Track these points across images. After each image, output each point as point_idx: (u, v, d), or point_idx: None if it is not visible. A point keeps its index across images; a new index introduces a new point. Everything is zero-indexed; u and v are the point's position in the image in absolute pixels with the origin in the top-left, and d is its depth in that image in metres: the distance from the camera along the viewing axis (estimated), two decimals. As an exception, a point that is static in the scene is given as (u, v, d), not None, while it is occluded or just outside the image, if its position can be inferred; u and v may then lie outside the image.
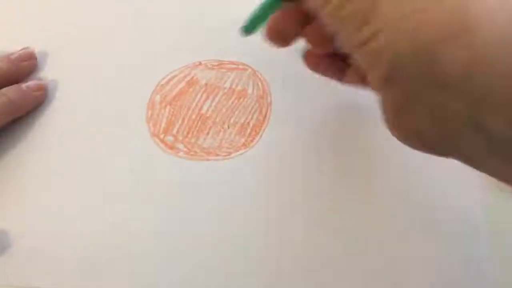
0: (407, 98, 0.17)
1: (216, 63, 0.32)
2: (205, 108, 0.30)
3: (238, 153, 0.29)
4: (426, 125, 0.17)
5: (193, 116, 0.30)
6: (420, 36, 0.15)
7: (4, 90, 0.30)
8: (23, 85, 0.31)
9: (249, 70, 0.31)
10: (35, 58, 0.33)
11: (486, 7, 0.14)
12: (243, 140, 0.29)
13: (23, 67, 0.32)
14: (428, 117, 0.16)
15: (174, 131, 0.29)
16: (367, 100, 0.26)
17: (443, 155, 0.17)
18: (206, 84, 0.31)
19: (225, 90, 0.31)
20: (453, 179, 0.27)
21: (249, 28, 0.27)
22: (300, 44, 0.25)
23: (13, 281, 0.26)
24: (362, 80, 0.23)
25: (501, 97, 0.14)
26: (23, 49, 0.33)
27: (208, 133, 0.29)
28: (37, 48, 0.33)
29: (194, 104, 0.30)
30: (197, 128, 0.29)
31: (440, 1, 0.15)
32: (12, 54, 0.32)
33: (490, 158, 0.15)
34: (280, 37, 0.24)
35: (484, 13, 0.14)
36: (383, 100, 0.18)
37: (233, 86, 0.31)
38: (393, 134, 0.19)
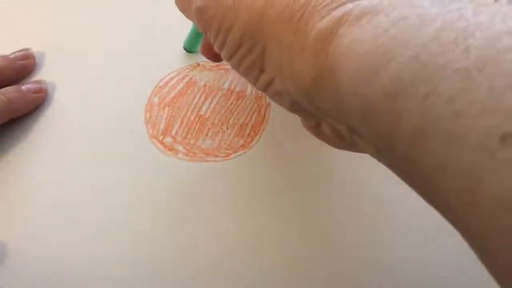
0: (313, 120, 0.21)
1: (214, 64, 0.32)
2: (203, 109, 0.30)
3: (237, 154, 0.29)
4: (332, 137, 0.20)
5: (192, 117, 0.30)
6: (298, 80, 0.18)
7: (3, 90, 0.30)
8: (23, 86, 0.31)
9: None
10: (34, 58, 0.33)
11: (341, 54, 0.16)
12: (242, 141, 0.29)
13: (22, 67, 0.32)
14: (331, 133, 0.20)
15: (173, 133, 0.29)
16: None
17: (355, 151, 0.20)
18: (204, 85, 0.31)
19: (224, 91, 0.31)
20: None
21: (188, 48, 0.32)
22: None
23: (11, 285, 0.26)
24: None
25: (362, 128, 0.16)
26: (22, 49, 0.33)
27: (207, 134, 0.29)
28: (36, 49, 0.33)
29: (192, 105, 0.30)
30: (196, 129, 0.29)
31: (302, 51, 0.17)
32: (10, 54, 0.32)
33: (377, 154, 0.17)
34: (211, 55, 0.28)
35: (340, 61, 0.16)
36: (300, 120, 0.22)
37: (232, 87, 0.31)
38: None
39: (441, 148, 0.12)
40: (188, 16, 0.24)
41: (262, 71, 0.20)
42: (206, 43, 0.28)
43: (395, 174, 0.16)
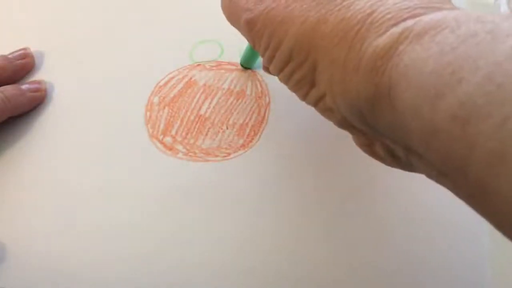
0: (365, 139, 0.20)
1: (214, 64, 0.32)
2: (203, 109, 0.30)
3: (237, 153, 0.29)
4: (387, 157, 0.19)
5: (192, 117, 0.30)
6: (351, 99, 0.17)
7: (2, 88, 0.30)
8: (22, 85, 0.31)
9: (248, 70, 0.31)
10: (32, 57, 0.33)
11: (402, 72, 0.15)
12: (241, 141, 0.29)
13: (20, 66, 0.32)
14: (386, 152, 0.19)
15: (173, 132, 0.29)
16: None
17: (411, 171, 0.20)
18: (204, 85, 0.31)
19: (224, 91, 0.31)
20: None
21: (244, 64, 0.31)
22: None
23: (11, 285, 0.26)
24: None
25: (424, 151, 0.15)
26: (20, 49, 0.33)
27: (207, 134, 0.29)
28: (34, 48, 0.33)
29: (192, 105, 0.30)
30: (196, 129, 0.29)
31: (356, 69, 0.17)
32: (9, 54, 0.32)
33: (436, 176, 0.17)
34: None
35: (400, 80, 0.15)
36: (353, 138, 0.21)
37: (232, 87, 0.31)
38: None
39: None
40: (238, 28, 0.23)
41: (312, 86, 0.20)
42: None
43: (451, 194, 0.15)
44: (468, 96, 0.12)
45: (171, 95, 0.31)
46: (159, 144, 0.29)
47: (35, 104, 0.31)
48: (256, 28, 0.20)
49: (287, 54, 0.19)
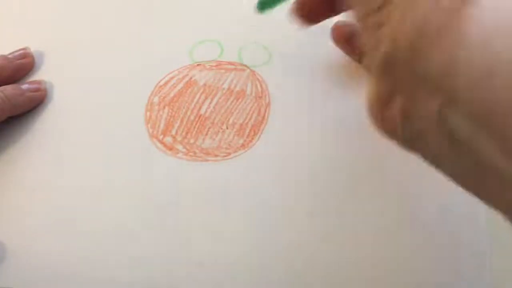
0: (391, 92, 0.17)
1: (214, 64, 0.32)
2: (203, 109, 0.30)
3: (237, 153, 0.29)
4: (395, 118, 0.17)
5: (192, 117, 0.30)
6: (417, 27, 0.15)
7: (2, 87, 0.30)
8: (23, 85, 0.31)
9: (248, 70, 0.31)
10: (32, 57, 0.33)
11: (483, 8, 0.14)
12: (241, 140, 0.29)
13: (20, 66, 0.32)
14: (399, 112, 0.17)
15: (173, 132, 0.29)
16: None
17: (412, 152, 0.18)
18: (204, 85, 0.31)
19: (224, 91, 0.31)
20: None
21: (264, 4, 0.26)
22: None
23: (12, 285, 0.26)
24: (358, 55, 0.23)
25: (472, 98, 0.14)
26: (20, 48, 0.33)
27: (207, 134, 0.29)
28: (34, 48, 0.33)
29: (192, 105, 0.30)
30: (196, 129, 0.29)
31: (437, 2, 0.15)
32: (9, 54, 0.32)
33: (450, 158, 0.15)
34: (305, 13, 0.25)
35: (476, 14, 0.14)
36: (371, 91, 0.18)
37: (232, 87, 0.31)
38: (374, 126, 0.19)
39: None
40: None
41: (384, 4, 0.17)
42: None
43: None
44: None
45: (171, 95, 0.31)
46: (159, 144, 0.29)
47: (35, 104, 0.31)
48: None
49: None
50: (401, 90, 0.17)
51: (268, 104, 0.30)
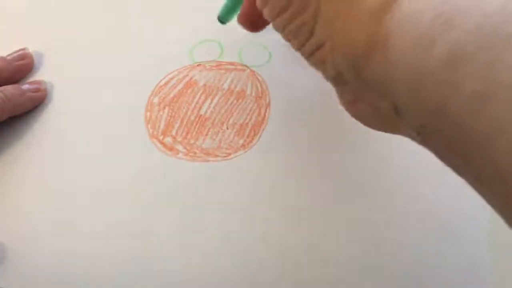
0: (352, 95, 0.20)
1: (214, 64, 0.32)
2: (203, 109, 0.30)
3: (237, 154, 0.29)
4: (370, 115, 0.20)
5: (192, 117, 0.30)
6: (350, 49, 0.17)
7: (2, 88, 0.30)
8: (23, 85, 0.31)
9: (248, 70, 0.31)
10: (31, 58, 0.33)
11: (398, 23, 0.16)
12: (242, 141, 0.29)
13: (19, 68, 0.32)
14: (370, 110, 0.19)
15: (173, 132, 0.29)
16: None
17: (392, 133, 0.20)
18: (204, 85, 0.31)
19: (224, 91, 0.31)
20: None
21: (224, 17, 0.30)
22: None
23: (12, 285, 0.26)
24: None
25: (409, 101, 0.16)
26: (19, 49, 0.33)
27: (207, 134, 0.29)
28: (34, 49, 0.33)
29: (192, 105, 0.30)
30: (196, 129, 0.29)
31: (358, 19, 0.17)
32: (8, 55, 0.32)
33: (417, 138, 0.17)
34: (250, 22, 0.27)
35: (396, 30, 0.16)
36: (337, 94, 0.21)
37: (232, 87, 0.31)
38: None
39: (502, 112, 0.13)
40: None
41: (311, 34, 0.19)
42: (245, 9, 0.27)
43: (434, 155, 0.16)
44: (458, 43, 0.14)
45: (171, 95, 0.31)
46: (159, 144, 0.29)
47: (35, 104, 0.31)
48: None
49: None
50: (358, 94, 0.20)
51: (268, 104, 0.30)
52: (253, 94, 0.31)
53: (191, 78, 0.31)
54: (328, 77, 0.20)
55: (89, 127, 0.30)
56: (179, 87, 0.31)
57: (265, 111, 0.30)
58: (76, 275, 0.26)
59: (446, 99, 0.14)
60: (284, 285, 0.25)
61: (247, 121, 0.30)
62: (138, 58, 0.33)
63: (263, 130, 0.29)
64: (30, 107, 0.31)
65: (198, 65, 0.32)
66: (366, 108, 0.20)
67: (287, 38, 0.21)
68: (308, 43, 0.20)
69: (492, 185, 0.14)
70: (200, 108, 0.30)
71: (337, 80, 0.20)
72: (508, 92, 0.12)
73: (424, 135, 0.16)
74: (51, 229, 0.27)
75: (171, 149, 0.29)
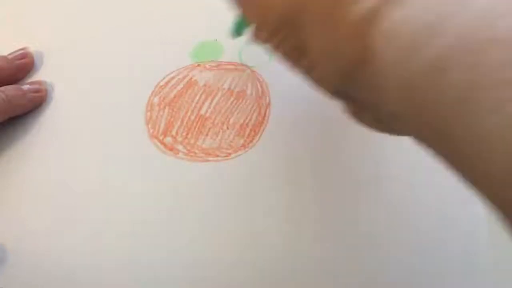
0: (355, 106, 0.21)
1: (214, 64, 0.32)
2: (204, 109, 0.30)
3: (238, 153, 0.29)
4: (375, 122, 0.20)
5: (192, 117, 0.30)
6: (341, 65, 0.18)
7: (3, 88, 0.30)
8: (23, 86, 0.31)
9: (248, 70, 0.31)
10: (32, 57, 0.33)
11: (383, 35, 0.16)
12: (242, 141, 0.29)
13: (20, 67, 0.32)
14: (372, 119, 0.20)
15: (173, 132, 0.29)
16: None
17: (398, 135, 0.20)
18: (204, 85, 0.31)
19: (224, 91, 0.31)
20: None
21: (236, 32, 0.29)
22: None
23: (12, 285, 0.26)
24: None
25: (401, 108, 0.16)
26: (20, 49, 0.33)
27: (207, 134, 0.29)
28: (34, 48, 0.33)
29: (193, 105, 0.30)
30: (196, 129, 0.29)
31: (344, 35, 0.17)
32: (9, 54, 0.32)
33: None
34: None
35: (381, 43, 0.16)
36: (341, 106, 0.22)
37: (232, 87, 0.31)
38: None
39: (487, 112, 0.13)
40: None
41: (303, 55, 0.20)
42: None
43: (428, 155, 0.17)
44: (443, 49, 0.14)
45: (172, 95, 0.31)
46: (159, 144, 0.29)
47: (35, 104, 0.31)
48: None
49: (275, 23, 0.19)
50: (356, 106, 0.20)
51: (268, 104, 0.30)
52: (253, 94, 0.31)
53: (191, 78, 0.31)
54: (329, 93, 0.20)
55: (89, 127, 0.30)
56: (179, 87, 0.31)
57: (265, 111, 0.30)
58: (76, 275, 0.26)
59: (435, 104, 0.14)
60: (284, 285, 0.25)
61: (247, 121, 0.30)
62: (138, 58, 0.33)
63: (263, 130, 0.29)
64: (31, 108, 0.31)
65: (198, 65, 0.32)
66: (370, 118, 0.20)
67: (284, 60, 0.21)
68: (301, 64, 0.20)
69: (484, 184, 0.14)
70: (200, 108, 0.30)
71: (338, 94, 0.20)
72: (490, 93, 0.13)
73: (421, 140, 0.17)
74: (51, 229, 0.27)
75: (171, 149, 0.29)
